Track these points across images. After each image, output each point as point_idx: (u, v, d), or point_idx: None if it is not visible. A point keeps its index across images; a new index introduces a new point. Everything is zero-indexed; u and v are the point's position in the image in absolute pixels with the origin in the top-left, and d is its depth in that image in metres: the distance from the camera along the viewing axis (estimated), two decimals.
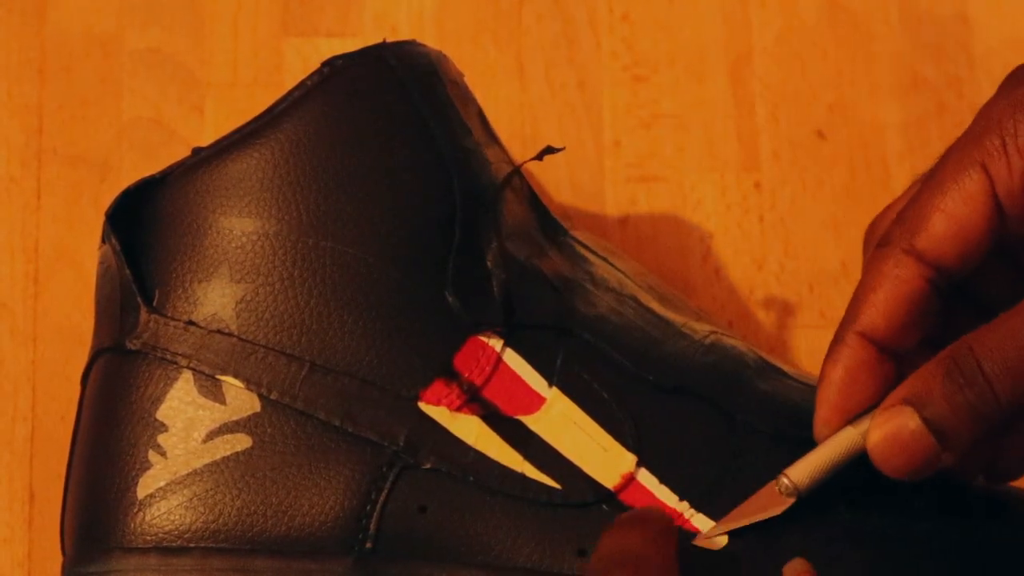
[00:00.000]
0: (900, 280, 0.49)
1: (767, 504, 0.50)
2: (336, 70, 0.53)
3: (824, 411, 0.50)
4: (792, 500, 0.49)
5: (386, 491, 0.51)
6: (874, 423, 0.49)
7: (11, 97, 0.65)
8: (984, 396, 0.47)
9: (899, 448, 0.48)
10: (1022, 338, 0.47)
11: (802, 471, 0.49)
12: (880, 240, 0.50)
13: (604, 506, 0.50)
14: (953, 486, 0.52)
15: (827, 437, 0.50)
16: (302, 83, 0.53)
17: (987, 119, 0.49)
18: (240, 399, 0.51)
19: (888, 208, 0.52)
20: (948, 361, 0.48)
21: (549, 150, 0.56)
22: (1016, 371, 0.47)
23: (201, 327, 0.52)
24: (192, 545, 0.51)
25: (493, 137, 0.56)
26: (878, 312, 0.49)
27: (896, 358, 0.50)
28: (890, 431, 0.48)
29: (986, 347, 0.47)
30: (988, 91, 0.66)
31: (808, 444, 0.51)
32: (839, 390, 0.49)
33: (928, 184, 0.50)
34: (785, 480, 0.49)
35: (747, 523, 0.50)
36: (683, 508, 0.50)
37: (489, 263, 0.52)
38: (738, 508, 0.50)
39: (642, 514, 0.49)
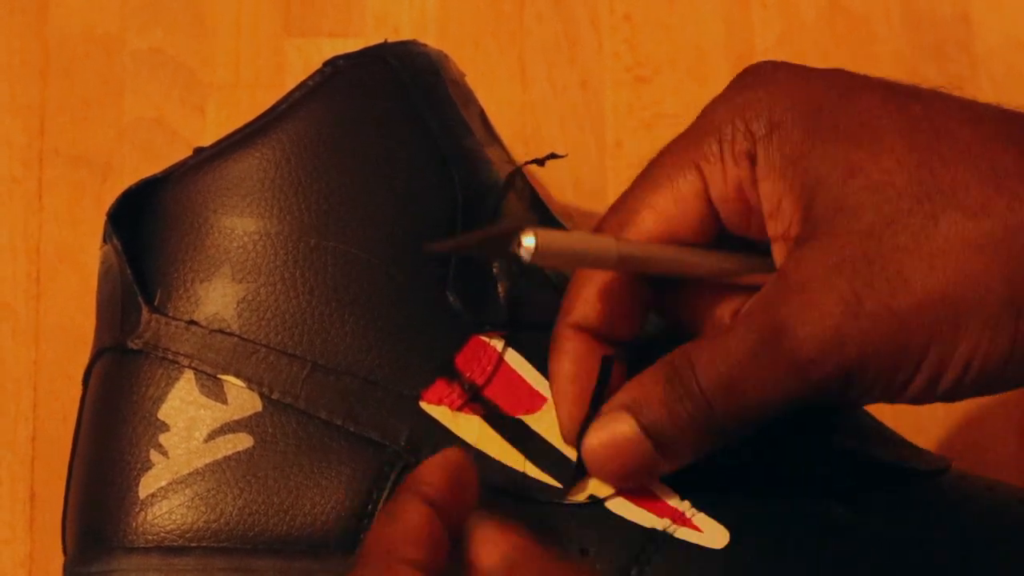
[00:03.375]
0: (607, 271, 0.49)
1: (501, 249, 0.47)
2: (338, 70, 0.53)
3: (565, 408, 0.50)
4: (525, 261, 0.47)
5: (387, 490, 0.51)
6: (591, 427, 0.49)
7: (13, 98, 0.65)
8: (700, 408, 0.47)
9: (614, 453, 0.48)
10: (737, 354, 0.47)
11: (549, 241, 0.47)
12: (593, 230, 0.50)
13: (606, 506, 0.50)
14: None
15: (576, 437, 0.49)
16: (303, 83, 0.53)
17: (708, 121, 0.49)
18: (242, 399, 0.51)
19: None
20: (668, 368, 0.48)
21: (552, 156, 0.56)
22: (731, 387, 0.47)
23: (203, 327, 0.52)
24: (194, 544, 0.51)
25: (494, 137, 0.56)
26: (588, 304, 0.49)
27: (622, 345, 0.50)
28: (606, 437, 0.48)
29: (703, 360, 0.47)
30: (989, 91, 0.66)
31: (807, 442, 0.51)
32: (572, 382, 0.49)
33: (643, 179, 0.50)
34: (529, 240, 0.46)
35: (475, 245, 0.49)
36: (684, 507, 0.50)
37: (494, 267, 0.52)
38: (471, 236, 0.50)
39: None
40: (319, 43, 0.66)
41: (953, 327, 0.45)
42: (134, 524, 0.51)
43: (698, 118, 0.50)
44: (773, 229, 0.48)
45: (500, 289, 0.52)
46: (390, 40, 0.55)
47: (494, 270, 0.52)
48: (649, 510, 0.50)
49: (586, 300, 0.50)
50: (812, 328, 0.46)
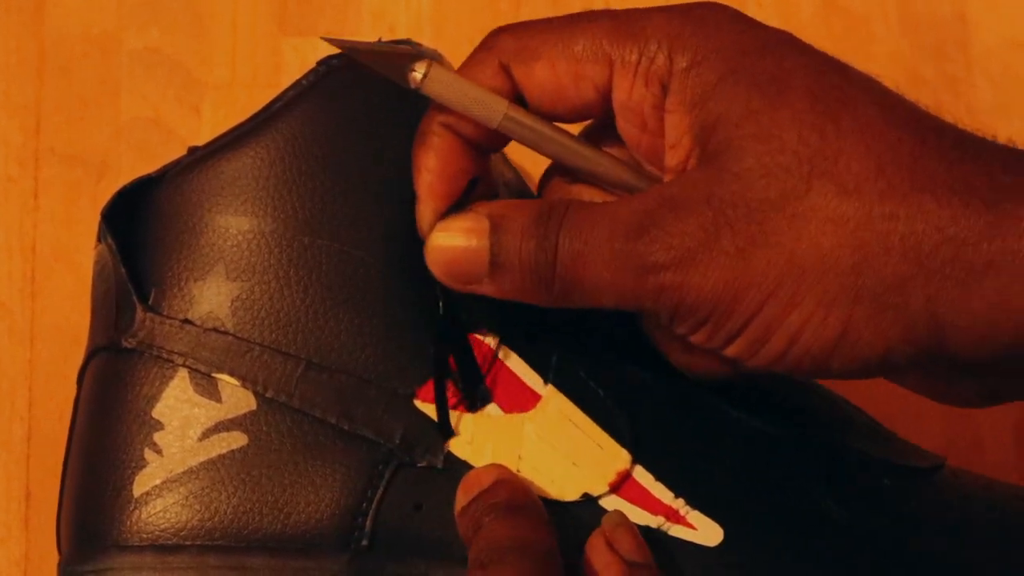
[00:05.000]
0: (490, 81, 0.49)
1: (395, 69, 0.49)
2: (332, 69, 0.53)
3: (427, 202, 0.50)
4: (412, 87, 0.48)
5: (382, 489, 0.51)
6: (451, 217, 0.49)
7: (9, 97, 0.65)
8: (545, 261, 0.47)
9: (457, 252, 0.48)
10: (597, 235, 0.46)
11: (441, 82, 0.48)
12: (485, 40, 0.50)
13: (600, 504, 0.50)
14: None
15: (433, 226, 0.49)
16: (298, 82, 0.53)
17: (638, 27, 0.48)
18: (236, 397, 0.51)
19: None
20: (545, 209, 0.48)
21: None
22: (578, 260, 0.47)
23: (197, 325, 0.52)
24: (188, 543, 0.51)
25: None
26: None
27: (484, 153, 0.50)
28: (457, 232, 0.48)
29: (570, 223, 0.47)
30: (986, 91, 0.66)
31: (806, 440, 0.51)
32: (438, 178, 0.49)
33: (555, 31, 0.49)
34: (421, 74, 0.48)
35: (372, 55, 0.49)
36: (679, 505, 0.50)
37: None
38: (372, 46, 0.50)
39: (515, 501, 0.49)
40: (316, 42, 0.66)
41: (790, 295, 0.45)
42: (128, 522, 0.51)
43: (630, 14, 0.49)
44: (671, 159, 0.48)
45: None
46: (385, 39, 0.55)
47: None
48: (643, 508, 0.50)
49: None
50: (666, 240, 0.46)
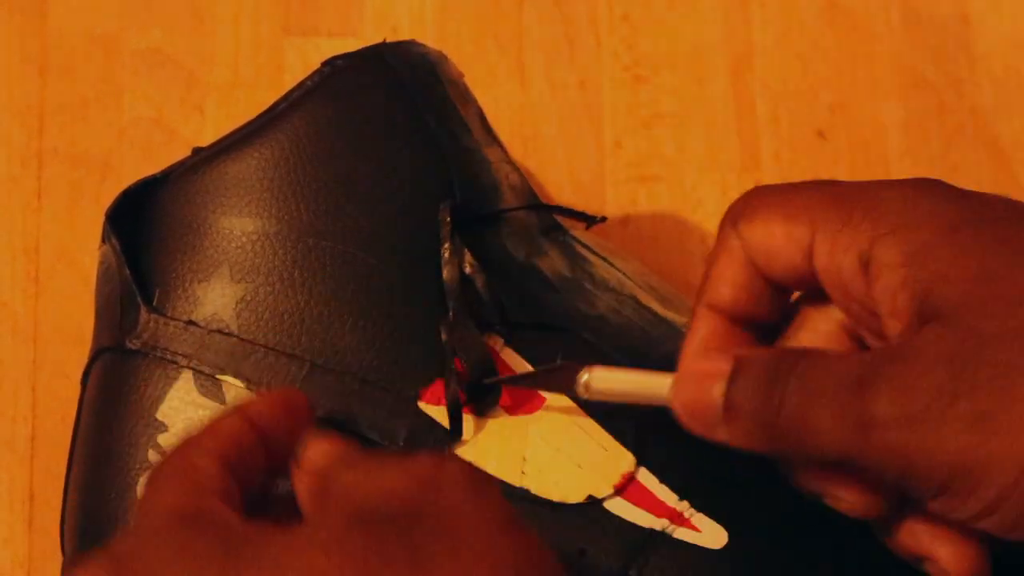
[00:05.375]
0: (735, 253, 0.48)
1: (559, 384, 0.49)
2: (336, 70, 0.53)
3: (696, 328, 0.49)
4: (581, 396, 0.49)
5: None
6: (697, 358, 0.47)
7: (12, 97, 0.65)
8: (770, 415, 0.45)
9: (693, 389, 0.47)
10: (823, 388, 0.44)
11: (606, 380, 0.48)
12: (729, 214, 0.49)
13: (604, 506, 0.50)
14: None
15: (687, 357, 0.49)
16: (302, 83, 0.53)
17: (855, 191, 0.47)
18: (240, 399, 0.51)
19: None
20: (778, 358, 0.46)
21: (592, 220, 0.56)
22: (805, 414, 0.45)
23: (201, 327, 0.52)
24: None
25: (493, 137, 0.56)
26: (722, 284, 0.49)
27: (759, 330, 0.49)
28: (698, 378, 0.46)
29: (805, 373, 0.45)
30: (988, 91, 0.66)
31: None
32: (696, 357, 0.48)
33: (788, 185, 0.48)
34: (586, 378, 0.48)
35: (527, 386, 0.50)
36: (683, 508, 0.50)
37: (468, 267, 0.52)
38: (532, 374, 0.50)
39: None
40: (318, 43, 0.66)
41: None
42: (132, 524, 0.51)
43: (850, 183, 0.48)
44: (890, 329, 0.46)
45: (478, 283, 0.52)
46: (389, 40, 0.55)
47: (467, 269, 0.52)
48: (648, 510, 0.50)
49: (717, 279, 0.49)
50: (892, 395, 0.43)
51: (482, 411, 0.51)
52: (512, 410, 0.52)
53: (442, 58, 0.56)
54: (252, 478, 0.44)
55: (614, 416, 0.51)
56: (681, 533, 0.50)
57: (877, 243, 0.45)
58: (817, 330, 0.49)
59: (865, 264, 0.46)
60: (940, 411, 0.43)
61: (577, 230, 0.56)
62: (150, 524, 0.42)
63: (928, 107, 0.66)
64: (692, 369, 0.47)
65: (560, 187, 0.65)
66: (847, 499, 0.47)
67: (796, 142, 0.66)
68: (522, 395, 0.52)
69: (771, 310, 0.49)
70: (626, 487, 0.51)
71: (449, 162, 0.53)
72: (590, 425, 0.51)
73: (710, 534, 0.50)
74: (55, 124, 0.65)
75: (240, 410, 0.45)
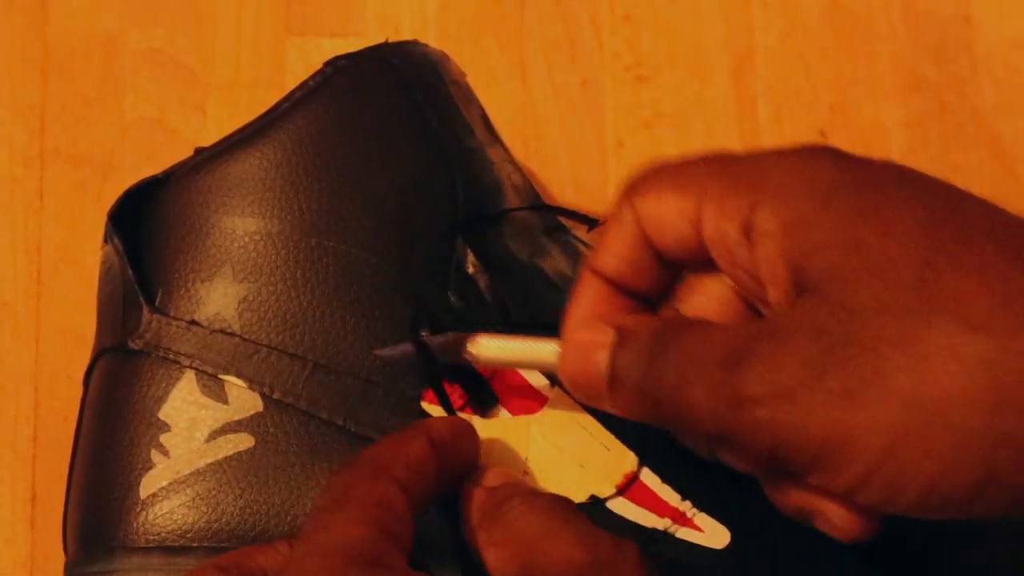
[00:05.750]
0: (627, 225, 0.48)
1: (454, 353, 0.50)
2: (338, 70, 0.53)
3: (575, 303, 0.48)
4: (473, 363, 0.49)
5: None
6: (580, 328, 0.47)
7: (13, 97, 0.65)
8: (652, 389, 0.45)
9: (577, 359, 0.46)
10: (698, 361, 0.44)
11: (491, 347, 0.49)
12: (626, 187, 0.48)
13: (607, 506, 0.50)
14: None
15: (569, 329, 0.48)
16: (304, 83, 0.53)
17: (740, 159, 0.46)
18: (243, 399, 0.51)
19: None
20: (662, 327, 0.45)
21: (593, 223, 0.56)
22: (681, 385, 0.44)
23: (204, 327, 0.52)
24: (195, 544, 0.51)
25: (495, 137, 0.56)
26: (609, 254, 0.48)
27: (646, 300, 0.49)
28: (582, 347, 0.46)
29: (682, 345, 0.45)
30: (990, 91, 0.66)
31: None
32: (580, 325, 0.48)
33: (680, 159, 0.47)
34: (472, 346, 0.49)
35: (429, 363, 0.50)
36: (686, 507, 0.50)
37: (470, 267, 0.52)
38: (426, 346, 0.50)
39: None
40: (320, 43, 0.66)
41: (921, 441, 0.42)
42: (135, 524, 0.51)
43: (737, 155, 0.47)
44: (772, 295, 0.45)
45: (481, 283, 0.52)
46: (391, 40, 0.55)
47: (471, 269, 0.52)
48: (650, 510, 0.50)
49: (605, 247, 0.48)
50: (762, 373, 0.43)
51: (484, 411, 0.51)
52: (514, 410, 0.52)
53: (444, 58, 0.56)
54: (424, 507, 0.47)
55: (616, 416, 0.51)
56: (684, 533, 0.50)
57: (757, 210, 0.45)
58: (710, 295, 0.48)
59: (747, 232, 0.45)
60: (809, 387, 0.42)
61: (579, 230, 0.56)
62: (325, 555, 0.43)
63: (929, 107, 0.66)
64: (576, 339, 0.47)
65: (562, 187, 0.65)
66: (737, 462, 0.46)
67: (798, 142, 0.66)
68: (524, 395, 0.52)
69: (656, 283, 0.48)
70: (628, 487, 0.51)
71: (452, 162, 0.53)
72: (593, 425, 0.51)
73: (713, 534, 0.50)
74: (57, 124, 0.65)
75: (425, 432, 0.47)
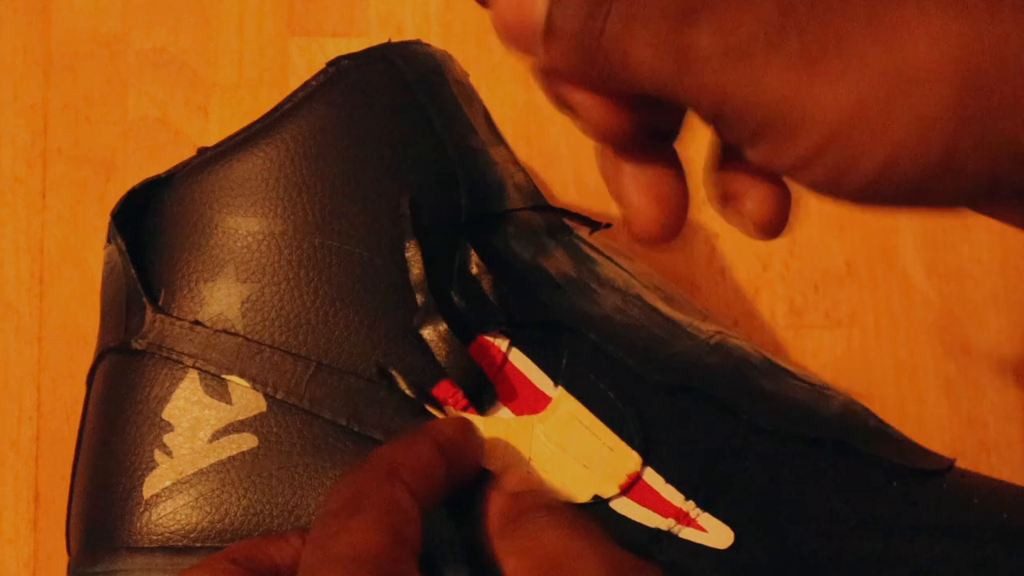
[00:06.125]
0: None
1: None
2: (341, 70, 0.53)
3: None
4: None
5: None
6: None
7: (16, 97, 0.65)
8: (591, 37, 0.42)
9: (512, 5, 0.43)
10: (663, 14, 0.40)
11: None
12: None
13: (611, 506, 0.50)
14: (965, 514, 0.52)
15: None
16: (307, 83, 0.53)
17: None
18: (246, 399, 0.51)
19: None
20: None
21: (596, 226, 0.56)
22: (630, 36, 0.41)
23: (207, 327, 0.52)
24: (198, 544, 0.51)
25: (499, 137, 0.56)
26: None
27: None
28: None
29: (630, 7, 0.41)
30: None
31: (815, 443, 0.51)
32: None
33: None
34: None
35: None
36: (689, 507, 0.50)
37: (473, 267, 0.52)
38: None
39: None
40: (323, 43, 0.66)
41: (883, 114, 0.39)
42: (138, 524, 0.51)
43: None
44: None
45: (484, 283, 0.52)
46: (394, 40, 0.55)
47: (473, 269, 0.52)
48: (654, 510, 0.50)
49: None
50: (715, 27, 0.40)
51: (482, 408, 0.51)
52: (518, 410, 0.52)
53: (447, 58, 0.56)
54: (431, 509, 0.46)
55: (621, 416, 0.51)
56: (687, 533, 0.50)
57: None
58: None
59: None
60: (764, 48, 0.39)
61: (582, 230, 0.57)
62: (340, 564, 0.43)
63: None
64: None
65: (565, 187, 0.65)
66: (587, 113, 0.44)
67: None
68: (528, 395, 0.52)
69: None
70: (632, 487, 0.51)
71: (455, 162, 0.53)
72: (596, 425, 0.51)
73: (716, 534, 0.50)
74: (60, 124, 0.65)
75: (431, 436, 0.47)
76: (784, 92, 0.39)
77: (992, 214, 0.43)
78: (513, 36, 0.43)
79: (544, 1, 0.42)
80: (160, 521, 0.51)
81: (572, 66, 0.43)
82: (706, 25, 0.40)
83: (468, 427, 0.49)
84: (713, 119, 0.41)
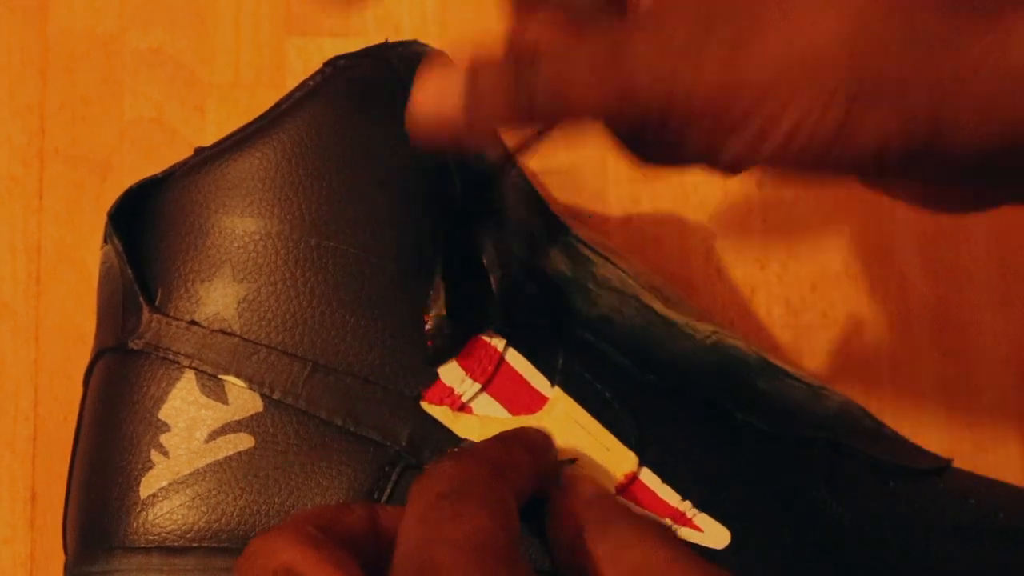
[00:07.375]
0: None
1: None
2: (338, 70, 0.53)
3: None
4: None
5: (388, 490, 0.51)
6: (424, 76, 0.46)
7: (12, 97, 0.65)
8: (523, 93, 0.44)
9: (427, 93, 0.45)
10: (582, 56, 0.43)
11: None
12: None
13: None
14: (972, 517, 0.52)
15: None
16: (304, 83, 0.53)
17: None
18: (242, 399, 0.51)
19: None
20: (517, 57, 0.44)
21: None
22: (563, 81, 0.43)
23: (203, 327, 0.52)
24: (195, 545, 0.51)
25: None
26: None
27: None
28: (433, 76, 0.45)
29: (558, 64, 0.43)
30: None
31: (812, 443, 0.51)
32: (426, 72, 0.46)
33: None
34: None
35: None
36: (685, 508, 0.50)
37: (484, 262, 0.52)
38: None
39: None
40: (320, 42, 0.66)
41: (788, 91, 0.43)
42: (135, 524, 0.51)
43: None
44: None
45: (495, 287, 0.52)
46: (391, 40, 0.55)
47: (471, 269, 0.53)
48: (650, 510, 0.50)
49: None
50: (653, 43, 0.43)
51: (479, 409, 0.51)
52: (514, 410, 0.52)
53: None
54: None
55: (617, 416, 0.51)
56: (684, 533, 0.50)
57: None
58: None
59: None
60: (699, 45, 0.43)
61: (580, 230, 0.56)
62: (457, 547, 0.43)
63: None
64: (421, 93, 0.45)
65: (562, 186, 0.65)
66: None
67: None
68: (524, 395, 0.52)
69: None
70: (628, 487, 0.51)
71: (451, 162, 0.53)
72: (592, 425, 0.51)
73: (713, 534, 0.50)
74: (56, 124, 0.65)
75: (524, 440, 0.49)
76: (721, 80, 0.43)
77: (890, 193, 0.49)
78: (431, 121, 0.45)
79: (459, 78, 0.44)
80: (157, 521, 0.51)
81: (502, 120, 0.45)
82: (641, 43, 0.43)
83: (549, 436, 0.50)
84: (660, 121, 0.44)
